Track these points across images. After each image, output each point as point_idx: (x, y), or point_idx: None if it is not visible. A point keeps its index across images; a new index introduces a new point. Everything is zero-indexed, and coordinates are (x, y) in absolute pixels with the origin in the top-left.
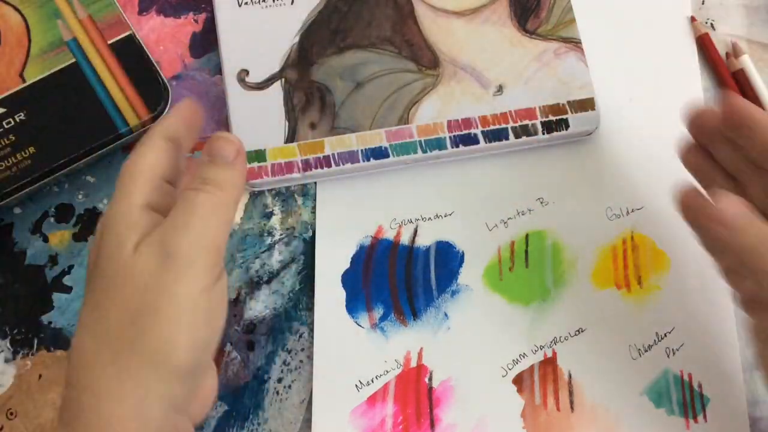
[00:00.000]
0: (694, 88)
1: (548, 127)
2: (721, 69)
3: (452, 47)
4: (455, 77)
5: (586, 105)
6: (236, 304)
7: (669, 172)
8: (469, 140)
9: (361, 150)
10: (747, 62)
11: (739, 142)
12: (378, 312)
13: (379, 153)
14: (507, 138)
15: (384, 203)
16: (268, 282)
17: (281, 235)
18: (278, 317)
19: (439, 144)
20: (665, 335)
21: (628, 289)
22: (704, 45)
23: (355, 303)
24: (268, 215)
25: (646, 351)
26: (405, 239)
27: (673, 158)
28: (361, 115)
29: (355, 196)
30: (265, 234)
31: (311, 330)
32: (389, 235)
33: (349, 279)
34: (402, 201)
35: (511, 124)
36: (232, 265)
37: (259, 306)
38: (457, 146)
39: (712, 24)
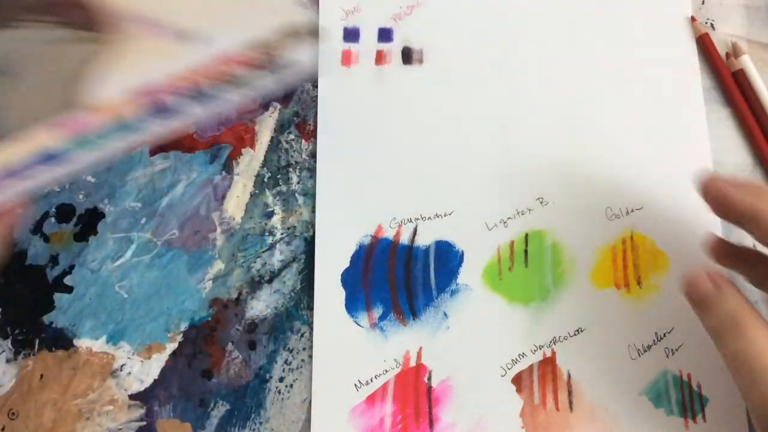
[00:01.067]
0: (694, 88)
1: (261, 66)
2: (721, 69)
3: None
4: (132, 36)
5: (303, 33)
6: (237, 304)
7: (669, 172)
8: (167, 110)
9: (24, 161)
10: (747, 62)
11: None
12: (377, 311)
13: (50, 158)
14: (216, 95)
15: (384, 202)
16: (270, 281)
17: (282, 234)
18: (279, 316)
19: (134, 126)
20: (664, 335)
21: (627, 289)
22: (704, 45)
23: (354, 302)
24: (269, 214)
25: (645, 351)
26: (404, 238)
27: (674, 158)
28: (12, 115)
29: (354, 195)
30: (266, 233)
31: (312, 329)
32: (389, 234)
33: (348, 278)
34: (402, 200)
35: (216, 75)
36: (233, 265)
37: (261, 305)
38: (155, 119)
39: (712, 24)
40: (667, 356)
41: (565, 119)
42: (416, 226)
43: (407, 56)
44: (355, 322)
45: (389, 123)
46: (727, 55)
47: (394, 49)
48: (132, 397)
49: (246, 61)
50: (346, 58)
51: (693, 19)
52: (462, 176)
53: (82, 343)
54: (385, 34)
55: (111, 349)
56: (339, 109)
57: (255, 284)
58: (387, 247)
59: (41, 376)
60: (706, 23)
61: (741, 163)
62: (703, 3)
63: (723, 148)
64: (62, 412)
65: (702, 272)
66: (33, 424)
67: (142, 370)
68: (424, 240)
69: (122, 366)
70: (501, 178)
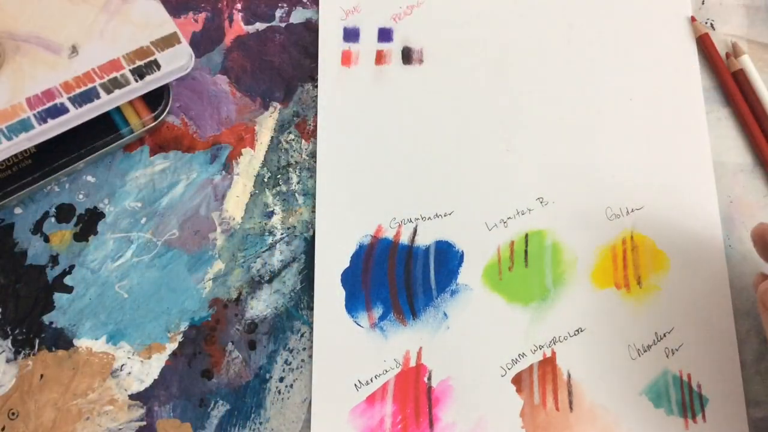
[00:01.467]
0: (694, 88)
1: (139, 73)
2: (721, 69)
3: (4, 21)
4: (19, 52)
5: (171, 41)
6: (237, 304)
7: (669, 172)
8: (57, 111)
9: None
10: (747, 62)
11: None
12: (377, 311)
13: None
14: (98, 97)
15: (384, 202)
16: (270, 281)
17: (282, 234)
18: (279, 316)
19: (24, 126)
20: (664, 335)
21: (627, 289)
22: (704, 45)
23: (354, 302)
24: (269, 214)
25: (645, 351)
26: (405, 238)
27: (674, 158)
28: None
29: (355, 195)
30: (266, 233)
31: (312, 329)
32: (389, 234)
33: (348, 278)
34: (402, 200)
35: (98, 81)
36: (233, 265)
37: (261, 305)
38: (46, 122)
39: (712, 24)
40: (667, 356)
41: (565, 119)
42: (416, 226)
43: (407, 56)
44: (355, 322)
45: (389, 123)
46: (727, 55)
47: (394, 49)
48: (132, 397)
49: (124, 68)
50: (346, 58)
51: (693, 19)
52: (462, 176)
53: (82, 343)
54: (385, 34)
55: (111, 349)
56: (339, 109)
57: (255, 284)
58: (387, 247)
59: (41, 376)
60: (706, 23)
61: (741, 163)
62: (703, 3)
63: (723, 148)
64: (62, 412)
65: None
66: (33, 424)
67: (142, 370)
68: (424, 240)
69: (122, 366)
70: (501, 178)
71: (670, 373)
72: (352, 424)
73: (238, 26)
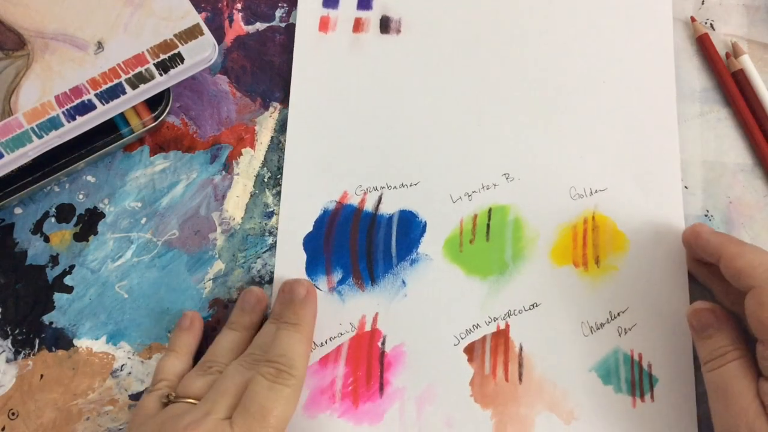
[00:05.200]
0: (666, 73)
1: (163, 66)
2: (721, 69)
3: (34, 20)
4: (48, 50)
5: (194, 32)
6: None
7: (635, 155)
8: (85, 108)
9: None
10: (747, 62)
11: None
12: (337, 276)
13: None
14: (124, 92)
15: (351, 169)
16: (270, 282)
17: None
18: None
19: (54, 124)
20: (618, 314)
21: (585, 268)
22: (704, 45)
23: (315, 266)
24: (269, 215)
25: (598, 329)
26: (369, 206)
27: (642, 145)
28: None
29: (322, 161)
30: (267, 234)
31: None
32: (354, 200)
33: (310, 242)
34: (368, 168)
35: (123, 77)
36: (234, 265)
37: None
38: (74, 119)
39: (712, 24)
40: (620, 335)
41: (537, 98)
42: (381, 195)
43: (385, 25)
44: (315, 285)
45: (362, 91)
46: (727, 55)
47: (372, 17)
48: (132, 397)
49: (148, 62)
50: (324, 24)
51: (693, 19)
52: (431, 148)
53: (82, 343)
54: (364, 2)
55: (111, 349)
56: (313, 74)
57: (255, 284)
58: (351, 214)
59: (41, 376)
60: (706, 23)
61: (741, 163)
62: (703, 3)
63: (723, 148)
64: (62, 412)
65: (709, 304)
66: (33, 424)
67: (142, 370)
68: (388, 209)
69: (122, 366)
70: (469, 151)
71: (621, 352)
72: (304, 383)
73: (238, 26)
